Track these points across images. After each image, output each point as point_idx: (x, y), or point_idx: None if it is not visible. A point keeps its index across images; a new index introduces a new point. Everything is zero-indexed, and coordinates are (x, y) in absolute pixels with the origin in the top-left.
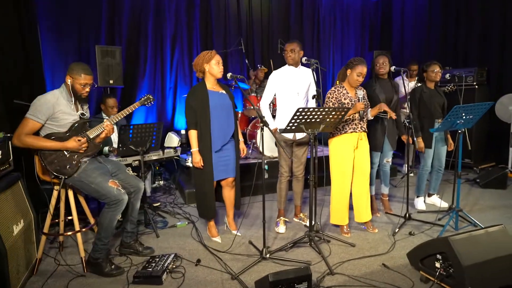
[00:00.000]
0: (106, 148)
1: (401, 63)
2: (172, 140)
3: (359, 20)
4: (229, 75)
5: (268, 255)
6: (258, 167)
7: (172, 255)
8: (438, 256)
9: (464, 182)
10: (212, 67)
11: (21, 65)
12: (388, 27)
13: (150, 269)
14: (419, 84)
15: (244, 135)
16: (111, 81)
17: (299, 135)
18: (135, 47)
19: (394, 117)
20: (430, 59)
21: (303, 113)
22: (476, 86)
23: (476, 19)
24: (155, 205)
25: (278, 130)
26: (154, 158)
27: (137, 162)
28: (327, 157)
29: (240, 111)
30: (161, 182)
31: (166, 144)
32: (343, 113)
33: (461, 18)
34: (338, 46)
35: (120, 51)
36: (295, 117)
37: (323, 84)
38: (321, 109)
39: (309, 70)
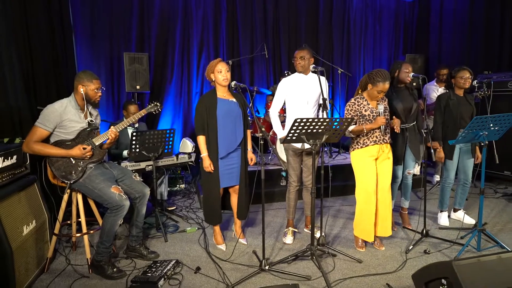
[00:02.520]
0: (125, 152)
1: (439, 67)
2: (186, 145)
3: (393, 22)
4: (233, 83)
5: (267, 267)
6: (277, 174)
7: (173, 261)
8: (443, 281)
9: (500, 197)
10: (216, 76)
11: (54, 70)
12: (425, 28)
13: (149, 274)
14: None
15: (264, 140)
16: (138, 87)
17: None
18: (163, 53)
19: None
20: (471, 63)
21: (302, 124)
22: None
23: None
24: (170, 208)
25: (279, 140)
26: (168, 163)
27: (150, 167)
28: (335, 167)
29: (261, 117)
30: (182, 186)
31: (180, 150)
32: (346, 123)
33: (507, 17)
34: (370, 49)
35: (147, 58)
36: (294, 128)
37: (351, 90)
38: (321, 119)
39: (322, 78)
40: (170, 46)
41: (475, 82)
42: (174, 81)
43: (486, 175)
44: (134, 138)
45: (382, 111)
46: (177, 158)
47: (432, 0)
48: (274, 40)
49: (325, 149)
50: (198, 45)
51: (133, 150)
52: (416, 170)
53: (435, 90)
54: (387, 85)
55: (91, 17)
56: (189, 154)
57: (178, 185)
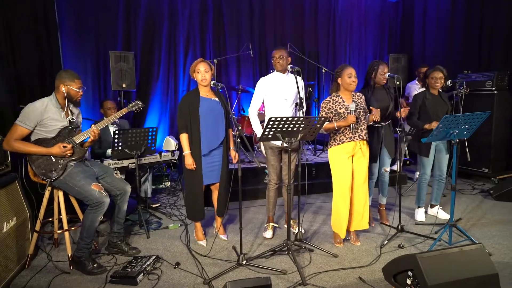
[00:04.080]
0: (109, 151)
1: (420, 66)
2: (170, 143)
3: (378, 22)
4: (212, 82)
5: (244, 262)
6: (261, 172)
7: (153, 257)
8: (410, 273)
9: (477, 193)
10: (196, 76)
11: (39, 68)
12: (409, 29)
13: (129, 270)
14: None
15: (250, 138)
16: (124, 85)
17: None
18: (150, 51)
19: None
20: (453, 63)
21: (276, 122)
22: (496, 92)
23: (501, 21)
24: (154, 205)
25: (257, 138)
26: (151, 161)
27: (133, 165)
28: (318, 164)
29: (247, 115)
30: (168, 184)
31: (164, 148)
32: (320, 122)
33: (486, 19)
34: (355, 49)
35: (133, 56)
36: (269, 126)
37: None
38: (295, 118)
39: (298, 78)
40: (156, 45)
41: (449, 82)
42: (160, 79)
43: (465, 172)
44: (116, 136)
45: (353, 109)
46: (160, 156)
47: (416, 0)
48: (260, 39)
49: (310, 147)
50: (184, 44)
51: (116, 148)
52: (396, 167)
53: (417, 89)
54: (351, 68)
55: (77, 15)
56: (172, 152)
57: (163, 183)
